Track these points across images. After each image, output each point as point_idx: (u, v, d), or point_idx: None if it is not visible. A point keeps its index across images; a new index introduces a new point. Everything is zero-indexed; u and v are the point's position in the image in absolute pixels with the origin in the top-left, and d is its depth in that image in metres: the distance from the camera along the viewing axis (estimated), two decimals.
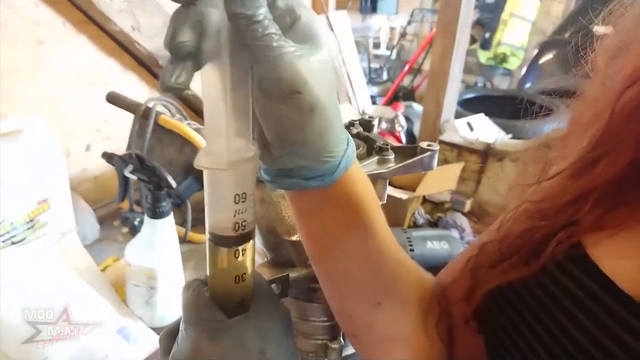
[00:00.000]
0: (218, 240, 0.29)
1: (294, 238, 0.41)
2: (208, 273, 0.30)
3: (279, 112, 0.25)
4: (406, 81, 3.41)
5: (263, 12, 0.23)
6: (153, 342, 0.73)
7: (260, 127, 0.27)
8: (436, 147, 0.45)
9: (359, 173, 0.32)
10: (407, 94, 3.16)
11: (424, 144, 0.45)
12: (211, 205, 0.28)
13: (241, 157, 0.26)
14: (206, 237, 0.29)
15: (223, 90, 0.25)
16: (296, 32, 0.25)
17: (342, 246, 0.32)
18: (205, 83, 0.25)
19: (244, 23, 0.22)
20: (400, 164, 0.44)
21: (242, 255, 0.29)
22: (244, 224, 0.28)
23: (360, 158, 0.44)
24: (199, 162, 0.26)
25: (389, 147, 0.44)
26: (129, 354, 0.70)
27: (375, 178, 0.44)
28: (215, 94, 0.25)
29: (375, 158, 0.43)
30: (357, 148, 0.46)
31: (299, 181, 0.28)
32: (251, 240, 0.30)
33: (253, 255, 0.31)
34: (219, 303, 0.30)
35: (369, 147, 0.46)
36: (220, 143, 0.26)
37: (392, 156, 0.44)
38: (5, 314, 0.64)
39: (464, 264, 0.36)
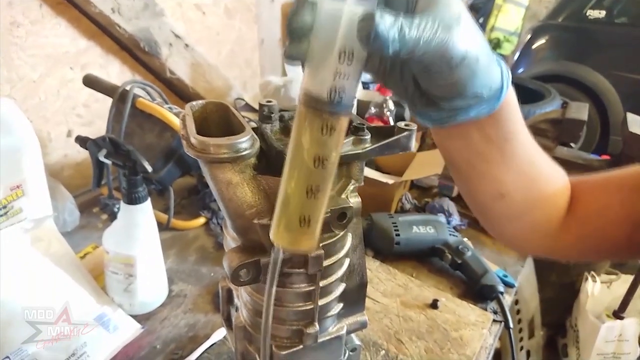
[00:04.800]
0: (308, 101, 0.27)
1: (264, 221, 0.39)
2: (290, 143, 0.29)
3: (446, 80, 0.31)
4: None
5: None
6: (132, 330, 0.72)
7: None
8: (413, 126, 0.43)
9: None
10: None
11: (401, 124, 0.43)
12: (312, 59, 0.26)
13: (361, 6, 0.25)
14: (298, 99, 0.28)
15: None
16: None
17: (484, 157, 0.39)
18: None
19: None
20: (377, 144, 0.42)
21: (330, 133, 0.27)
22: (341, 94, 0.26)
23: None
24: None
25: (364, 126, 0.42)
26: (108, 342, 0.69)
27: (350, 159, 0.43)
28: None
29: (350, 138, 0.41)
30: None
31: (480, 109, 0.35)
32: (343, 121, 0.28)
33: (339, 144, 0.29)
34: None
35: None
36: None
37: (368, 136, 0.42)
38: (3, 313, 0.62)
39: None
